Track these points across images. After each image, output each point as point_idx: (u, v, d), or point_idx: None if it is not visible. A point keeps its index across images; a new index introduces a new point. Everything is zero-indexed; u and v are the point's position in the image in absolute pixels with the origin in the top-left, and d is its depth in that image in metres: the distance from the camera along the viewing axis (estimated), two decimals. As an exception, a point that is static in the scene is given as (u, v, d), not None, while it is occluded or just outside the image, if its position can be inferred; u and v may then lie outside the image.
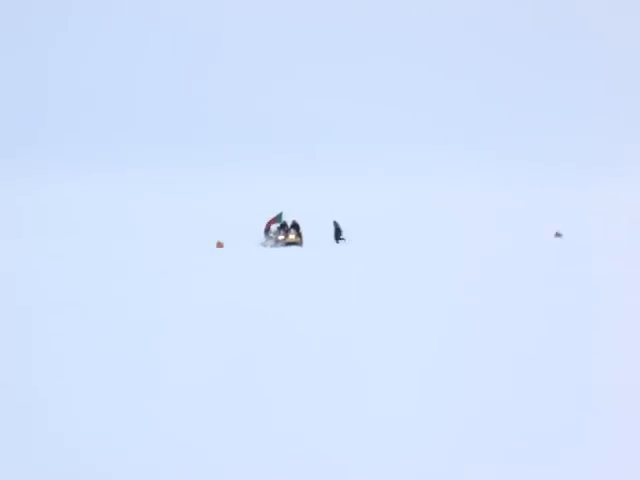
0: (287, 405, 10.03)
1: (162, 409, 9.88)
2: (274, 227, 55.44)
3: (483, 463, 7.80)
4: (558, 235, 63.29)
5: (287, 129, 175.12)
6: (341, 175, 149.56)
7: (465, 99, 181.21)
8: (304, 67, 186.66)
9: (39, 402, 10.33)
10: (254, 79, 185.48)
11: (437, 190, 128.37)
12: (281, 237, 54.32)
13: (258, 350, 13.96)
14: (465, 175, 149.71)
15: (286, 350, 13.95)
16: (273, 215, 56.73)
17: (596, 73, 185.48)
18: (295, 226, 54.51)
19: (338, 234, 57.65)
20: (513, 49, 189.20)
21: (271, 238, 54.86)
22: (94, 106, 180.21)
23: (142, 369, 12.46)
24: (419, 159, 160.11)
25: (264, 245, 54.50)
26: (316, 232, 58.55)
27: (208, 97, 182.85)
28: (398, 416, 9.45)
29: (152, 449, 8.29)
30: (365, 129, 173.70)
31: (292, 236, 54.00)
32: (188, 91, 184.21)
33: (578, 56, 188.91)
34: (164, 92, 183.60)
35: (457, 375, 11.68)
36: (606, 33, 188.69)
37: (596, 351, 13.57)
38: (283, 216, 55.82)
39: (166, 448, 8.33)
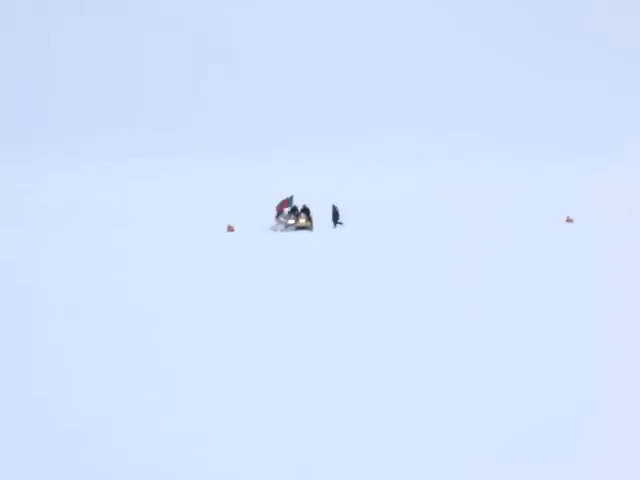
0: (295, 391, 10.11)
1: (170, 398, 9.91)
2: (285, 211, 55.39)
3: (484, 452, 7.88)
4: (569, 221, 63.10)
5: (301, 115, 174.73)
6: (354, 161, 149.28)
7: (470, 89, 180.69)
8: (316, 58, 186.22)
9: (39, 392, 10.31)
10: (264, 67, 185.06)
11: (453, 178, 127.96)
12: (291, 221, 54.29)
13: (266, 336, 13.99)
14: (479, 162, 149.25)
15: (293, 336, 13.99)
16: (284, 199, 56.76)
17: (606, 57, 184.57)
18: (305, 210, 54.48)
19: (336, 218, 57.58)
20: (517, 37, 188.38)
21: (282, 222, 54.83)
22: (102, 91, 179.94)
23: (154, 355, 12.49)
24: (431, 147, 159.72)
25: (274, 229, 54.50)
26: (327, 217, 58.59)
27: (219, 83, 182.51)
28: (399, 402, 9.52)
29: (154, 438, 8.32)
30: (378, 118, 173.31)
31: (302, 220, 53.96)
32: (199, 77, 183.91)
33: (585, 42, 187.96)
34: (175, 78, 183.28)
35: (460, 363, 11.74)
36: (609, 22, 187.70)
37: (600, 344, 13.58)
38: (294, 200, 55.87)
39: (168, 438, 8.37)
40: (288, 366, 11.62)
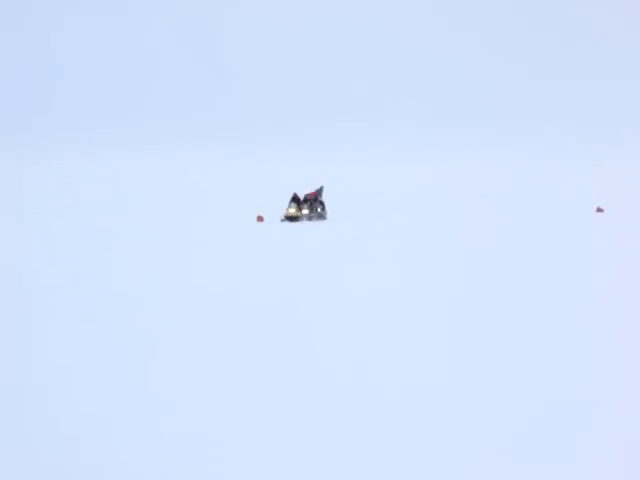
0: (302, 394, 10.16)
1: (173, 400, 9.85)
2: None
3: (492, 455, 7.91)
4: (600, 210, 62.71)
5: (339, 104, 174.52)
6: (375, 151, 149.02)
7: (492, 77, 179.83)
8: (341, 52, 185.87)
9: (34, 391, 10.17)
10: (284, 63, 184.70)
11: (483, 168, 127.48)
12: (305, 211, 52.68)
13: (281, 330, 14.02)
14: (508, 152, 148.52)
15: (303, 335, 14.03)
16: (314, 190, 56.66)
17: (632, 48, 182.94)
18: (296, 199, 52.62)
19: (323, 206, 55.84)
20: (533, 31, 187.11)
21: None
22: (125, 79, 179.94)
23: (162, 351, 12.54)
24: (457, 138, 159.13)
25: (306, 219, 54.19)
26: (355, 207, 58.53)
27: (253, 71, 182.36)
28: (404, 405, 9.56)
29: (153, 440, 8.29)
30: (402, 108, 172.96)
31: (292, 210, 51.05)
32: (232, 63, 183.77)
33: (614, 24, 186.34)
34: (208, 63, 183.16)
35: (467, 364, 11.74)
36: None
37: (628, 339, 13.48)
38: (323, 191, 55.67)
39: (169, 439, 8.34)
40: (290, 367, 11.61)
